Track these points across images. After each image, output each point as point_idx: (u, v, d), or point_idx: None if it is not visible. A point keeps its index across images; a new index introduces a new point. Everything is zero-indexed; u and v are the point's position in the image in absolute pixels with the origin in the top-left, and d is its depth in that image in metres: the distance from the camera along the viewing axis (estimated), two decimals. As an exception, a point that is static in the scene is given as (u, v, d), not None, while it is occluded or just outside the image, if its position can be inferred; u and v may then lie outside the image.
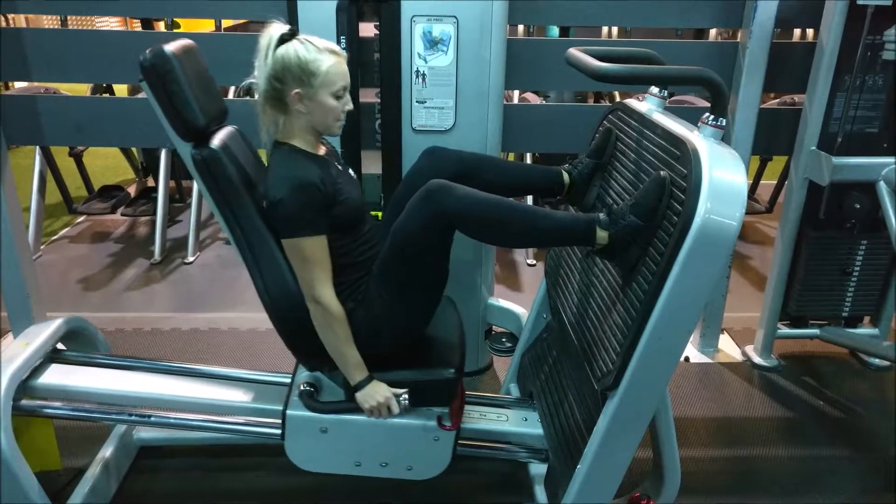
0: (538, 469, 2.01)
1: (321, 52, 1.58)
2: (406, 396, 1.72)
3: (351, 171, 1.82)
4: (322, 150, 1.72)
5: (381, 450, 1.81)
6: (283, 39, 1.58)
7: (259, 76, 1.60)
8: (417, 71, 2.24)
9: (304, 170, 1.59)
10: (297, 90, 1.58)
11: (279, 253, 1.64)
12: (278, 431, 1.80)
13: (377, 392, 1.69)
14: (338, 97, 1.61)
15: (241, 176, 1.67)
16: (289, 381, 1.90)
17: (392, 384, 1.72)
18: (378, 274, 1.70)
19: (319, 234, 1.59)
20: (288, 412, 1.78)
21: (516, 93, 4.21)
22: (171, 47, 1.60)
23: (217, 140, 1.67)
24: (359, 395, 1.70)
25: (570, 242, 1.81)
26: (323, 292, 1.60)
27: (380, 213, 2.36)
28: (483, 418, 2.00)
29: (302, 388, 1.79)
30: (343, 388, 1.75)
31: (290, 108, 1.62)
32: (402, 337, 1.76)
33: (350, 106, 1.66)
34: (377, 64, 2.26)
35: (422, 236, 1.61)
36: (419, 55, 2.22)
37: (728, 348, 2.99)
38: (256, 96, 1.64)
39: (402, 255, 1.64)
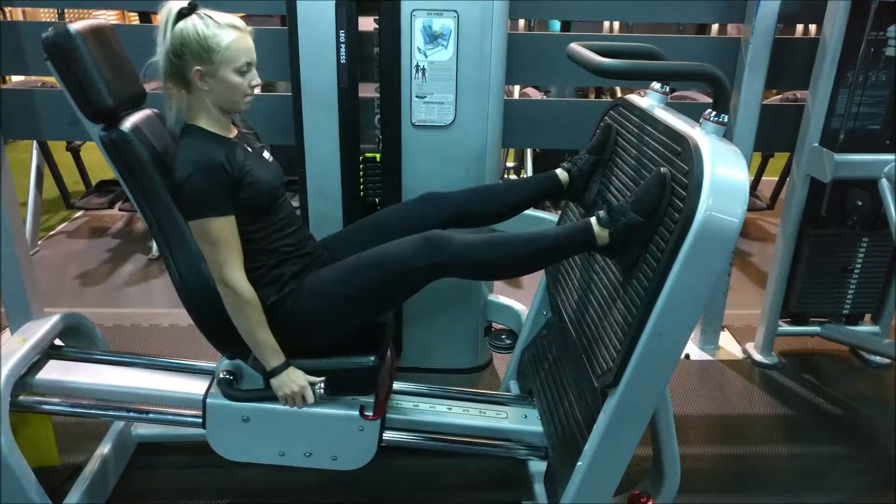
0: (537, 466, 2.00)
1: (221, 27, 1.54)
2: (323, 385, 1.70)
3: (268, 154, 1.78)
4: (233, 132, 1.69)
5: (305, 439, 1.79)
6: (181, 14, 1.54)
7: (159, 53, 1.57)
8: (417, 66, 2.23)
9: (209, 151, 1.56)
10: (197, 67, 1.54)
11: (193, 239, 1.61)
12: (199, 420, 1.79)
13: (292, 380, 1.68)
14: (242, 73, 1.57)
15: (155, 160, 1.64)
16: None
17: (310, 372, 1.70)
18: (340, 278, 1.68)
19: (225, 216, 1.56)
20: (208, 400, 1.76)
21: (517, 88, 4.20)
22: (77, 26, 1.58)
23: (129, 122, 1.64)
24: (273, 382, 1.68)
25: (572, 253, 1.81)
26: (232, 275, 1.58)
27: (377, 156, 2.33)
28: (482, 415, 1.99)
29: (221, 375, 1.77)
30: (262, 375, 1.73)
31: (193, 87, 1.58)
32: (338, 336, 1.74)
33: (257, 81, 1.62)
34: (377, 58, 2.24)
35: (410, 275, 1.63)
36: (419, 50, 2.21)
37: (728, 346, 2.98)
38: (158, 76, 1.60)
39: (379, 280, 1.64)
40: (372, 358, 1.73)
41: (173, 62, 1.55)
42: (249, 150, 1.70)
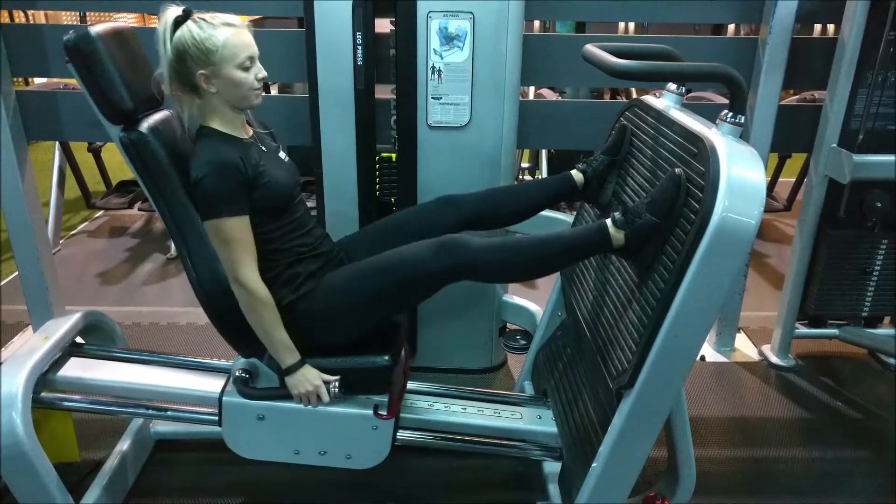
0: (552, 467, 2.00)
1: (216, 27, 1.55)
2: (337, 384, 1.71)
3: (283, 154, 1.79)
4: (248, 133, 1.70)
5: (319, 438, 1.80)
6: (177, 23, 1.56)
7: (163, 65, 1.59)
8: (433, 67, 2.24)
9: (223, 151, 1.57)
10: (201, 71, 1.56)
11: (209, 238, 1.64)
12: (215, 417, 1.80)
13: (307, 378, 1.69)
14: (245, 68, 1.58)
15: (173, 161, 1.66)
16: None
17: (324, 370, 1.71)
18: (355, 279, 1.69)
19: (239, 216, 1.57)
20: (224, 398, 1.78)
21: (531, 88, 4.20)
22: (97, 29, 1.60)
23: (147, 123, 1.66)
24: (288, 380, 1.69)
25: (588, 255, 1.80)
26: (246, 275, 1.59)
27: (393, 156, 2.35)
28: (497, 416, 1.99)
29: (237, 374, 1.78)
30: (277, 374, 1.74)
31: (200, 91, 1.60)
32: (353, 336, 1.75)
33: (263, 73, 1.63)
34: (393, 60, 2.25)
35: (426, 279, 1.64)
36: (435, 51, 2.22)
37: (744, 347, 2.96)
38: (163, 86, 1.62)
39: (394, 283, 1.65)
40: (386, 357, 1.74)
41: (178, 70, 1.58)
42: (264, 149, 1.71)
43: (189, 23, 1.55)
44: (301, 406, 1.74)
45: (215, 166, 1.55)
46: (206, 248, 1.65)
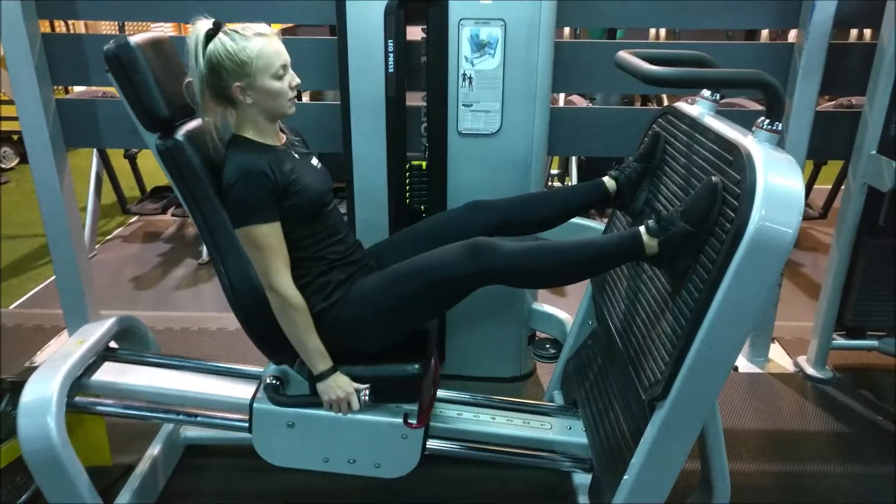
0: (582, 479, 1.98)
1: (248, 38, 1.55)
2: (367, 392, 1.70)
3: (316, 161, 1.79)
4: (281, 140, 1.70)
5: (348, 446, 1.79)
6: (209, 36, 1.56)
7: (193, 77, 1.59)
8: (464, 74, 2.23)
9: (253, 159, 1.58)
10: (237, 83, 1.57)
11: (242, 245, 1.64)
12: (245, 424, 1.81)
13: (339, 385, 1.69)
14: (279, 77, 1.59)
15: (208, 168, 1.67)
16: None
17: (354, 378, 1.71)
18: (386, 286, 1.68)
19: (270, 223, 1.58)
20: (255, 405, 1.78)
21: (561, 95, 4.18)
22: (136, 39, 1.63)
23: (183, 131, 1.67)
24: (320, 386, 1.69)
25: (620, 262, 1.78)
26: (279, 281, 1.59)
27: (423, 164, 2.35)
28: (526, 426, 1.98)
29: (268, 381, 1.79)
30: (308, 381, 1.74)
31: (237, 102, 1.61)
32: (385, 343, 1.75)
33: (297, 81, 1.63)
34: (424, 67, 2.26)
35: (455, 284, 1.63)
36: (466, 58, 2.21)
37: (779, 358, 2.90)
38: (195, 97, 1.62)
39: (423, 288, 1.64)
40: (416, 366, 1.73)
41: (212, 83, 1.58)
42: (297, 157, 1.72)
43: (221, 35, 1.56)
44: (331, 414, 1.74)
45: (244, 174, 1.56)
46: (239, 254, 1.67)
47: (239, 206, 1.57)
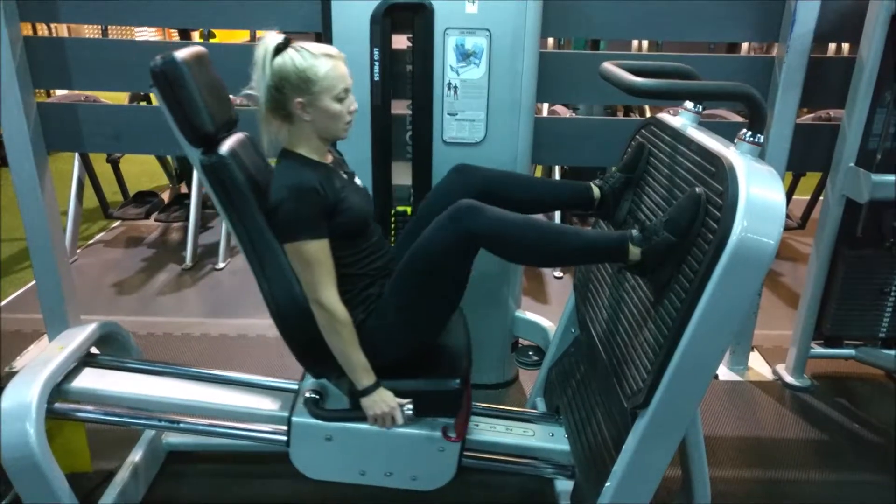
0: (564, 486, 1.99)
1: (317, 57, 1.58)
2: (410, 406, 1.71)
3: (358, 180, 1.82)
4: (329, 159, 1.72)
5: (386, 459, 1.80)
6: (278, 49, 1.58)
7: (258, 88, 1.61)
8: (449, 83, 2.25)
9: (303, 175, 1.59)
10: (298, 99, 1.59)
11: (285, 259, 1.65)
12: (284, 438, 1.80)
13: (384, 400, 1.68)
14: (340, 100, 1.61)
15: (249, 183, 1.68)
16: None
17: (396, 393, 1.71)
18: (394, 285, 1.69)
19: (319, 238, 1.59)
20: (293, 419, 1.78)
21: (545, 105, 4.20)
22: (181, 54, 1.62)
23: (226, 146, 1.68)
24: (365, 401, 1.68)
25: (601, 260, 1.79)
26: (326, 296, 1.60)
27: (408, 209, 2.38)
28: (509, 432, 1.99)
29: (307, 395, 1.79)
30: (348, 395, 1.74)
31: (294, 118, 1.62)
32: (411, 348, 1.75)
33: (355, 106, 1.66)
34: (409, 76, 2.27)
35: (446, 254, 1.61)
36: (451, 68, 2.23)
37: (758, 367, 2.94)
38: (258, 107, 1.64)
39: (422, 270, 1.64)
40: (457, 381, 1.74)
41: (274, 96, 1.60)
42: (345, 176, 1.74)
43: (290, 50, 1.58)
44: (370, 427, 1.73)
45: (295, 190, 1.57)
46: (282, 268, 1.66)
47: (289, 222, 1.58)
